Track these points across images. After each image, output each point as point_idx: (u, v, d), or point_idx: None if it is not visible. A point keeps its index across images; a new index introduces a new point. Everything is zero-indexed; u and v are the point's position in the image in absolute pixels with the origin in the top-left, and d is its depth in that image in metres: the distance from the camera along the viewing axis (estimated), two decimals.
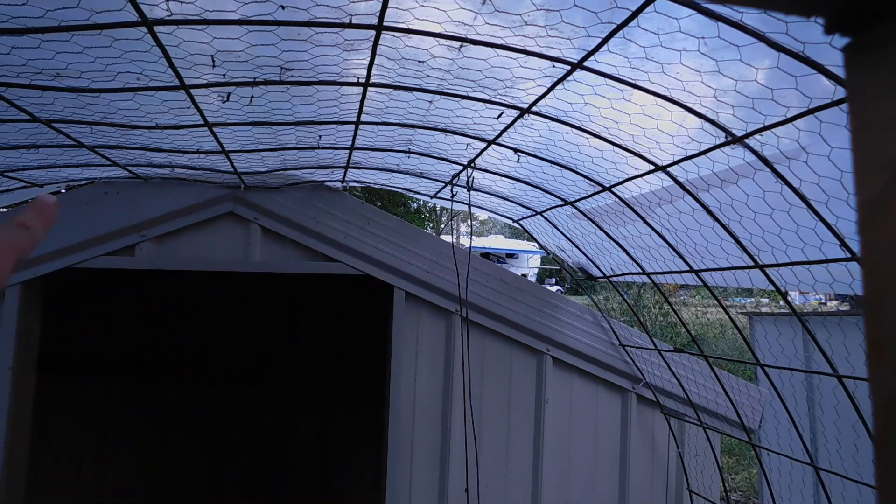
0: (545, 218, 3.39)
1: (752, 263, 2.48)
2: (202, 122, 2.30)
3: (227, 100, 2.15)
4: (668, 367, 3.37)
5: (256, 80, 2.03)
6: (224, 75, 1.98)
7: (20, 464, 2.96)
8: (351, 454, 5.44)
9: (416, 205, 18.87)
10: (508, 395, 3.24)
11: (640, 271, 3.07)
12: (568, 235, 3.31)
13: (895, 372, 0.26)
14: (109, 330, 5.16)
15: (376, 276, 3.13)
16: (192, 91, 2.02)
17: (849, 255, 1.99)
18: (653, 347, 3.32)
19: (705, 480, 3.49)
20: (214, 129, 2.38)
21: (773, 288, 2.51)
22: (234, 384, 5.38)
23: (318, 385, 5.46)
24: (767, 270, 2.46)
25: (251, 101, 2.20)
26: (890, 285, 0.26)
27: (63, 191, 3.36)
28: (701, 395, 3.45)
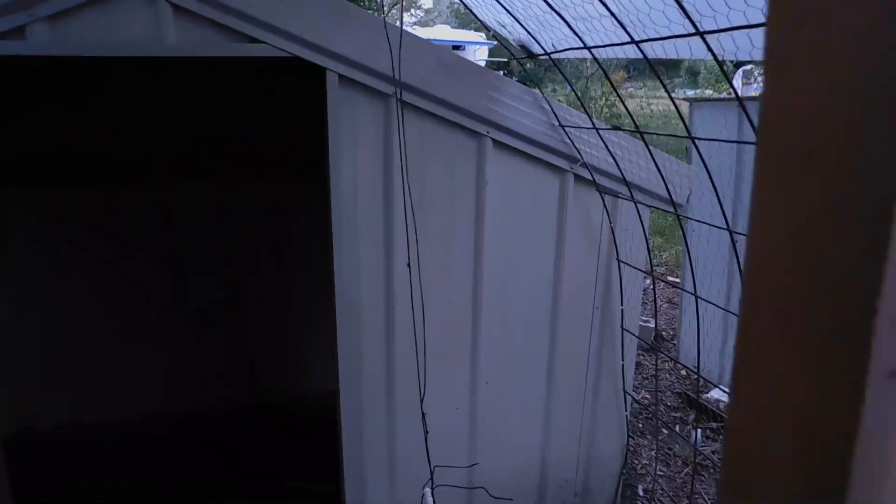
0: None
1: (692, 31, 2.41)
2: None
3: None
4: (605, 147, 3.43)
5: None
6: None
7: None
8: (302, 246, 5.60)
9: None
10: (451, 178, 3.28)
11: (582, 45, 2.96)
12: (508, 8, 3.11)
13: None
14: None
15: (307, 59, 2.93)
16: None
17: None
18: (591, 126, 3.35)
19: (633, 251, 3.77)
20: None
21: (711, 57, 2.48)
22: (183, 184, 5.28)
23: (271, 184, 5.43)
24: (707, 37, 2.40)
25: None
26: None
27: None
28: (635, 173, 3.58)
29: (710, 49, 2.44)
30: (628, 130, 3.45)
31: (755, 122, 2.28)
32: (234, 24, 2.82)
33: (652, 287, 7.56)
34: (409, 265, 2.83)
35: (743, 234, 2.95)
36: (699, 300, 3.41)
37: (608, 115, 14.45)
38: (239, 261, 5.58)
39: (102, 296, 5.28)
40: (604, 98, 15.03)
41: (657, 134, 3.46)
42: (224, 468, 5.19)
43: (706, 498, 4.82)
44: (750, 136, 4.58)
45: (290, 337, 5.88)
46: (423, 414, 2.73)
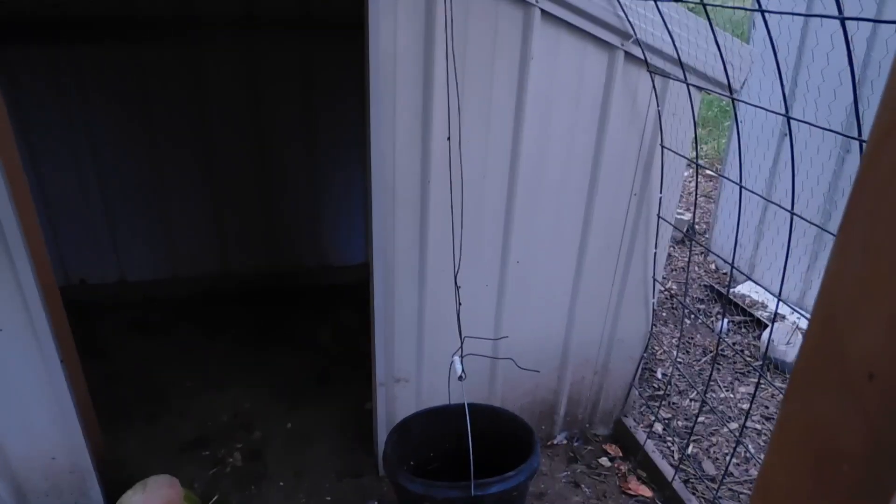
0: None
1: None
2: None
3: None
4: (662, 23, 3.19)
5: None
6: None
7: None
8: (336, 104, 5.51)
9: None
10: (492, 49, 3.11)
11: None
12: None
13: None
14: None
15: None
16: None
17: None
18: None
19: (679, 137, 3.62)
20: None
21: None
22: (210, 47, 5.15)
23: (297, 44, 5.24)
24: None
25: None
26: None
27: None
28: (691, 53, 3.35)
29: None
30: (689, 1, 3.18)
31: None
32: None
33: (691, 178, 7.38)
34: (448, 139, 2.76)
35: (798, 120, 2.78)
36: (742, 190, 3.30)
37: None
38: (267, 127, 5.53)
39: (136, 159, 5.36)
40: None
41: (721, 6, 3.19)
42: (255, 324, 5.48)
43: (721, 385, 4.98)
44: (820, 11, 4.17)
45: (320, 208, 5.95)
46: (458, 287, 2.78)
